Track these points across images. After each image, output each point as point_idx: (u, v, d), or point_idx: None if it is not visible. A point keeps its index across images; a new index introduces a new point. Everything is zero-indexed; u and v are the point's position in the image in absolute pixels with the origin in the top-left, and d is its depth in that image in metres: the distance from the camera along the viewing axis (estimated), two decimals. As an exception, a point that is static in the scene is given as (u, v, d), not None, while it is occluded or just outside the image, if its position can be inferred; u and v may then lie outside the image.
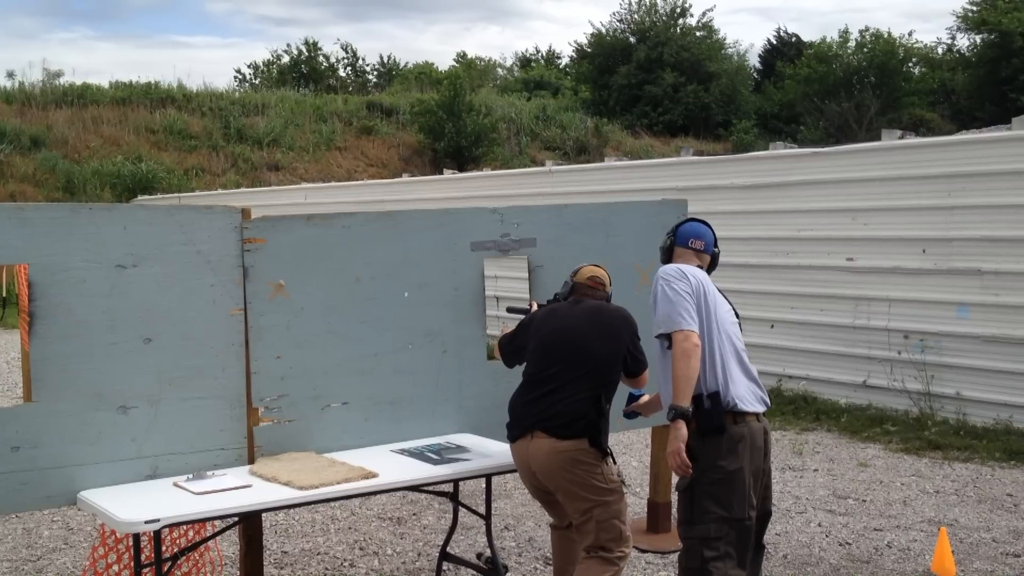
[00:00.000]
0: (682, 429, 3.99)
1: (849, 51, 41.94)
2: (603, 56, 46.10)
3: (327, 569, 5.82)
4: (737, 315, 4.36)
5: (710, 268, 4.44)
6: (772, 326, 10.73)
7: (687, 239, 4.43)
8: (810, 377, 10.42)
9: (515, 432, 4.52)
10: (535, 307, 4.99)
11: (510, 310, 5.40)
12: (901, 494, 7.27)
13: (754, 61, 50.77)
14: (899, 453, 8.51)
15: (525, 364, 4.67)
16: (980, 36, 39.62)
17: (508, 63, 59.81)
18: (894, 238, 9.74)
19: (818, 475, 7.84)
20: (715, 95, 43.65)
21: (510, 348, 4.81)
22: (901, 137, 10.33)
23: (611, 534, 4.39)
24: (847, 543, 6.21)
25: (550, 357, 4.50)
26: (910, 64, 42.69)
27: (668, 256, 4.45)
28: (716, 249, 4.48)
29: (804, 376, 10.45)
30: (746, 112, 44.09)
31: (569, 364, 4.44)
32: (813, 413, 9.89)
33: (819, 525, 6.56)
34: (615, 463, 4.52)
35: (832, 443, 8.93)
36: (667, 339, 4.09)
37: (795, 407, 10.08)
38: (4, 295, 19.03)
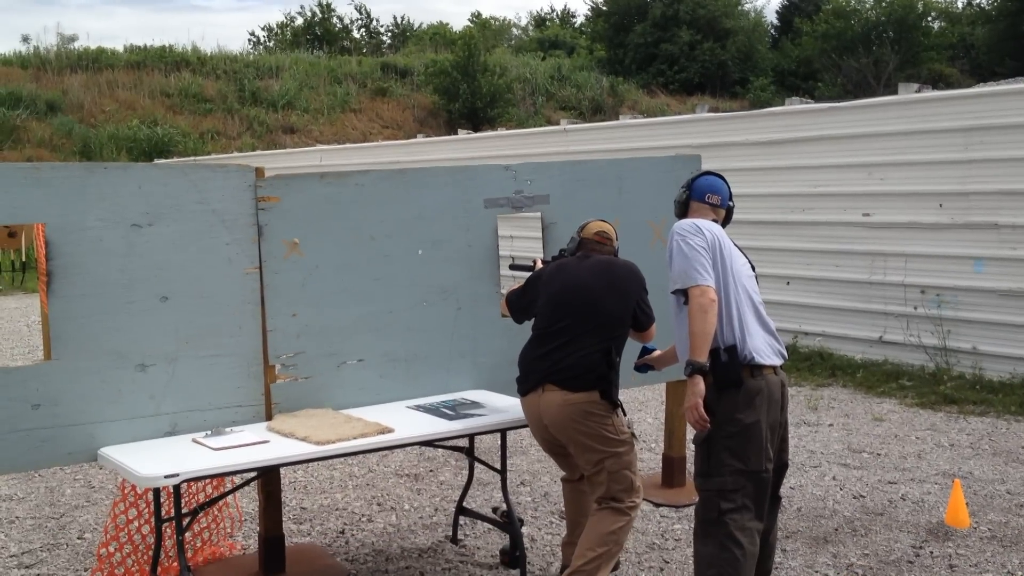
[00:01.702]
0: (699, 385, 3.99)
1: (868, 6, 41.44)
2: (618, 14, 45.71)
3: (345, 524, 5.89)
4: (753, 268, 4.36)
5: (725, 222, 4.43)
6: (788, 282, 10.72)
7: (703, 193, 4.40)
8: (826, 333, 10.42)
9: (526, 386, 4.56)
10: (539, 263, 5.00)
11: (513, 267, 5.41)
12: (916, 448, 7.30)
13: (771, 17, 50.37)
14: (914, 408, 8.52)
15: (535, 319, 4.69)
16: (1000, -11, 39.15)
17: (523, 23, 59.52)
18: (910, 193, 9.69)
19: (833, 430, 7.86)
20: (732, 52, 43.29)
21: (519, 304, 4.82)
22: (918, 91, 10.25)
23: (622, 484, 4.43)
24: (861, 496, 6.24)
25: (560, 312, 4.52)
26: (929, 19, 42.18)
27: (683, 210, 4.43)
28: (731, 203, 4.46)
29: (820, 332, 10.46)
30: (763, 69, 43.74)
31: (579, 318, 4.46)
32: (829, 369, 9.91)
33: (834, 478, 6.60)
34: (625, 415, 4.54)
35: (847, 398, 8.95)
36: (683, 295, 4.08)
37: (811, 363, 10.09)
38: (24, 260, 19.19)
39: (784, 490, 5.29)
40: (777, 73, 44.03)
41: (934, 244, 9.52)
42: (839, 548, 5.39)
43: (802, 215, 10.66)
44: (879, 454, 7.15)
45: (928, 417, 8.19)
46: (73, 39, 38.14)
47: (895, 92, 10.52)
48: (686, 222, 4.23)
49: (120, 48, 37.28)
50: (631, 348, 4.72)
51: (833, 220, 10.37)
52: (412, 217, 5.20)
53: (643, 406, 8.71)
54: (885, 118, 9.95)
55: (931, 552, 5.30)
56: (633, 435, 4.56)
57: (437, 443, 4.99)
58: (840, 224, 10.30)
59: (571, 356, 4.41)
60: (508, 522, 5.12)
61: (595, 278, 4.54)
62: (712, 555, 4.07)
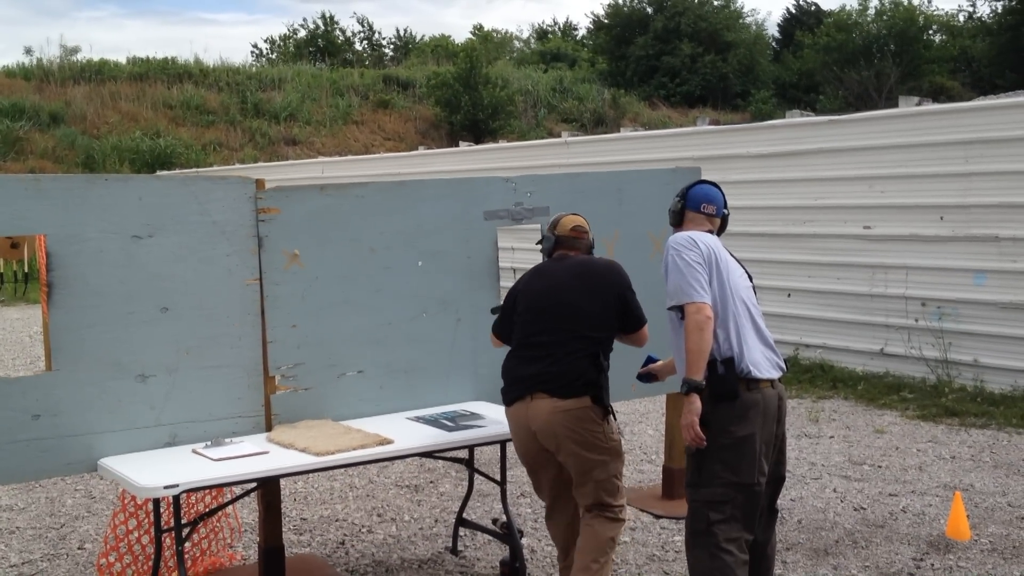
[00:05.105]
0: (696, 402, 3.98)
1: (869, 19, 41.49)
2: (620, 27, 45.80)
3: (345, 535, 5.89)
4: (751, 279, 4.35)
5: (720, 230, 4.42)
6: (789, 295, 10.72)
7: (699, 203, 4.38)
8: (827, 346, 10.41)
9: (512, 395, 4.45)
10: None
11: (495, 311, 5.34)
12: (917, 460, 7.29)
13: (773, 30, 50.39)
14: (916, 420, 8.51)
15: (516, 328, 4.56)
16: (1001, 2, 39.21)
17: (525, 35, 59.60)
18: (911, 205, 9.70)
19: (834, 442, 7.86)
20: (733, 65, 43.34)
21: (501, 326, 4.72)
22: (918, 104, 10.27)
23: (608, 490, 4.39)
24: (862, 508, 6.24)
25: (541, 318, 4.43)
26: (930, 32, 42.22)
27: (679, 220, 4.40)
28: (726, 211, 4.46)
29: (821, 345, 10.45)
30: (764, 82, 43.78)
31: (561, 323, 4.37)
32: (830, 381, 9.90)
33: (834, 491, 6.59)
34: (616, 420, 4.50)
35: (849, 410, 8.94)
36: (680, 311, 4.07)
37: (812, 375, 10.09)
38: (26, 271, 19.22)
39: (785, 502, 5.29)
40: (778, 86, 44.06)
41: (935, 257, 9.52)
42: (839, 560, 5.38)
43: (803, 227, 10.66)
44: (880, 466, 7.15)
45: (929, 429, 8.18)
46: (76, 51, 38.22)
47: (896, 105, 10.54)
48: (682, 235, 4.22)
49: (123, 60, 37.38)
50: (633, 359, 4.71)
51: (834, 232, 10.37)
52: (412, 229, 5.21)
53: (644, 418, 8.71)
54: (886, 131, 9.97)
55: (932, 564, 5.30)
56: (621, 442, 4.51)
57: (437, 454, 4.99)
58: (841, 236, 10.31)
59: (558, 363, 4.33)
60: (508, 533, 5.12)
61: (574, 280, 4.46)
62: (704, 564, 4.09)
